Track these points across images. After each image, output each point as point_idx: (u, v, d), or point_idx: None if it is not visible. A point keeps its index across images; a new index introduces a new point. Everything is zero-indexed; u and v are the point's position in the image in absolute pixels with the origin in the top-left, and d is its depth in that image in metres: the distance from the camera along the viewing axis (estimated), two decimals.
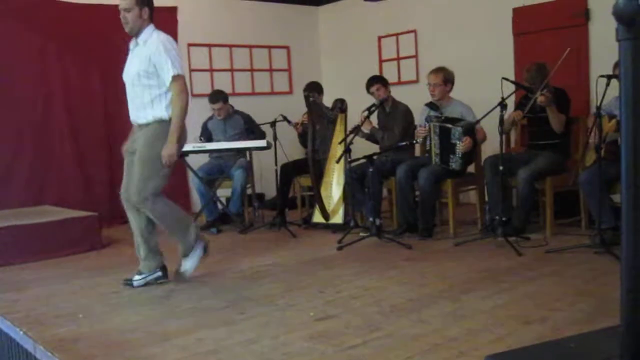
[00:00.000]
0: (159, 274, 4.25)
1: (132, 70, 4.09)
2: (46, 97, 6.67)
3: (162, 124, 4.05)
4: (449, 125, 5.23)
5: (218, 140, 6.55)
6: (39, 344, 3.07)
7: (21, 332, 3.27)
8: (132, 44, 4.19)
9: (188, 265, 4.24)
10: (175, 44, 4.14)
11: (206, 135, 6.68)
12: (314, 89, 6.38)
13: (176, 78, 4.02)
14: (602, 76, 4.28)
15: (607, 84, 4.25)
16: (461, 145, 5.14)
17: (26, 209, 6.06)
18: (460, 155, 5.18)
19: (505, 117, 4.93)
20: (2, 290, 4.24)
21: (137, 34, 4.09)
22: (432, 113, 5.56)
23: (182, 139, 4.16)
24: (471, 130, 5.20)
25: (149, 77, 4.02)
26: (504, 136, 4.92)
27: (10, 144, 6.42)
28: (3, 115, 6.35)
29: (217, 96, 6.57)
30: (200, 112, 7.03)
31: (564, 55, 4.64)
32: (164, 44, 4.01)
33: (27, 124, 6.52)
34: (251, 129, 6.60)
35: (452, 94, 5.64)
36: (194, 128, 7.10)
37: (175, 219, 4.22)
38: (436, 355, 2.69)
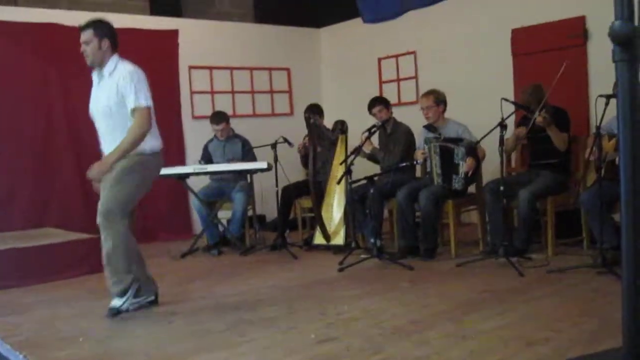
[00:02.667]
0: (152, 297, 4.20)
1: (102, 102, 4.01)
2: (48, 120, 6.71)
3: (140, 158, 3.99)
4: (452, 146, 5.25)
5: (217, 162, 6.56)
6: None
7: (21, 356, 3.25)
8: (95, 76, 4.13)
9: (118, 303, 3.98)
10: (143, 74, 4.02)
11: (206, 157, 6.70)
12: (314, 111, 6.41)
13: (138, 110, 3.92)
14: (601, 96, 4.29)
15: (607, 104, 4.26)
16: (466, 166, 5.16)
17: (28, 232, 6.07)
18: (463, 176, 5.20)
19: (507, 136, 4.94)
20: (2, 313, 4.22)
21: (100, 65, 4.05)
22: (430, 135, 5.58)
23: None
24: (472, 150, 5.22)
25: (120, 108, 3.95)
26: (504, 156, 4.92)
27: (12, 167, 6.44)
28: (5, 137, 6.39)
29: (220, 117, 6.60)
30: (201, 134, 7.07)
31: (562, 70, 4.67)
32: (130, 74, 3.94)
33: (29, 146, 6.55)
34: (246, 154, 6.60)
35: (452, 114, 5.66)
36: (194, 150, 7.16)
37: (124, 249, 3.95)
38: None
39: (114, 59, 4.05)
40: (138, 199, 4.10)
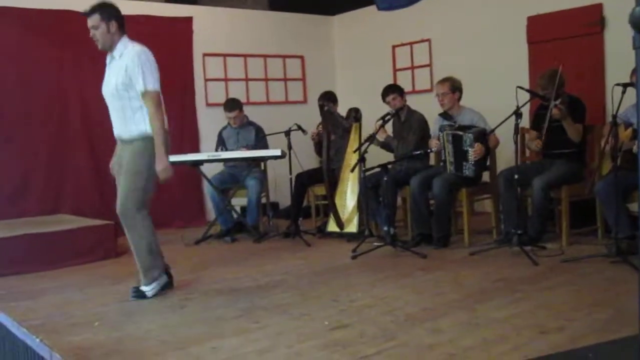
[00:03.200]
0: (166, 280, 4.27)
1: (111, 83, 4.05)
2: (62, 107, 6.74)
3: (146, 140, 4.03)
4: (460, 133, 5.23)
5: (231, 149, 6.57)
6: (55, 352, 3.08)
7: (37, 340, 3.29)
8: (108, 58, 4.16)
9: (146, 289, 4.13)
10: (151, 55, 4.04)
11: (221, 144, 6.70)
12: (328, 99, 6.39)
13: (148, 94, 3.96)
14: (617, 84, 4.25)
15: (623, 92, 4.22)
16: (473, 152, 5.13)
17: (42, 218, 6.12)
18: (472, 162, 5.17)
19: (528, 140, 4.91)
20: (18, 298, 4.27)
21: (110, 48, 4.06)
22: (445, 122, 5.56)
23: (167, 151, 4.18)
24: (482, 136, 5.19)
25: (127, 89, 3.98)
26: (518, 145, 4.89)
27: (27, 154, 6.48)
28: (20, 125, 6.42)
29: (233, 104, 6.60)
30: (215, 121, 7.08)
31: (559, 71, 4.67)
32: (139, 56, 3.96)
33: (44, 133, 6.58)
34: (260, 142, 6.60)
35: (467, 102, 5.63)
36: (208, 137, 7.18)
37: (147, 244, 4.10)
38: None
39: (124, 41, 4.07)
40: (154, 185, 4.14)
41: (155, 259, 4.14)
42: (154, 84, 3.97)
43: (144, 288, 4.12)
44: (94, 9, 4.03)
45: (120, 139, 4.19)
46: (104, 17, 4.01)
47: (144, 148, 4.03)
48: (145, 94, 3.96)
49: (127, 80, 3.97)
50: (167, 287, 4.24)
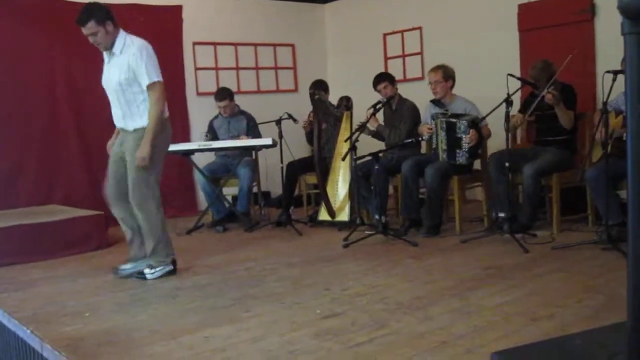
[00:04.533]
0: (171, 267, 4.38)
1: (114, 79, 4.13)
2: (53, 97, 6.69)
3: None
4: (454, 120, 5.23)
5: (222, 139, 6.56)
6: (46, 343, 3.08)
7: (28, 331, 3.28)
8: (106, 55, 4.22)
9: (149, 273, 4.28)
10: (152, 48, 4.15)
11: (212, 133, 6.69)
12: (319, 87, 6.38)
13: (153, 85, 4.09)
14: (608, 72, 4.25)
15: (614, 80, 4.22)
16: (467, 137, 5.14)
17: (34, 208, 6.08)
18: (466, 149, 5.18)
19: (516, 117, 4.93)
20: (9, 289, 4.25)
21: (111, 46, 4.13)
22: (437, 110, 5.56)
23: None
24: (476, 123, 5.20)
25: (131, 84, 4.09)
26: (509, 133, 4.90)
27: (18, 144, 6.43)
28: (10, 115, 6.37)
29: (224, 94, 6.58)
30: (206, 110, 7.05)
31: (567, 60, 4.65)
32: (140, 50, 4.06)
33: (34, 123, 6.54)
34: (251, 131, 6.59)
35: (458, 91, 5.63)
36: (199, 126, 7.16)
37: (161, 228, 4.29)
38: (442, 353, 2.68)
39: (122, 36, 4.13)
40: (161, 168, 4.30)
41: (166, 244, 4.32)
42: (158, 76, 4.11)
43: (146, 271, 4.25)
44: (87, 17, 4.04)
45: (124, 130, 4.29)
46: (99, 21, 4.04)
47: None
48: (150, 86, 4.08)
49: (131, 75, 4.07)
50: (171, 273, 4.37)
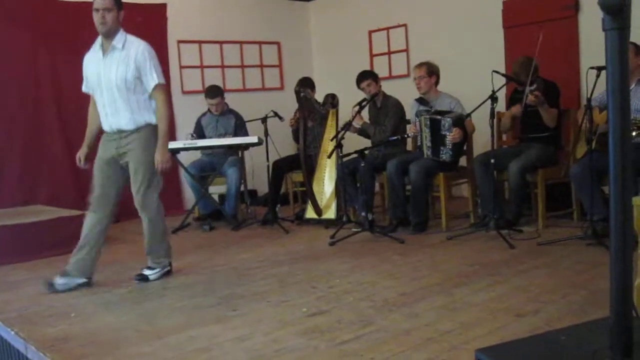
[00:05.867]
0: (168, 267, 4.38)
1: (115, 75, 4.00)
2: (36, 96, 6.63)
3: (152, 128, 4.12)
4: (438, 117, 5.24)
5: (209, 137, 6.54)
6: (31, 344, 3.06)
7: (12, 332, 3.25)
8: (98, 48, 4.09)
9: (151, 274, 4.26)
10: (153, 50, 4.14)
11: (198, 131, 6.66)
12: (306, 85, 6.37)
13: (160, 87, 4.09)
14: (592, 68, 4.27)
15: (598, 76, 4.24)
16: (450, 136, 5.15)
17: (18, 209, 6.03)
18: (450, 147, 5.19)
19: (499, 110, 4.92)
20: None
21: (109, 36, 4.02)
22: (422, 107, 5.57)
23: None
24: (460, 121, 5.21)
25: (135, 82, 4.04)
26: (494, 129, 4.92)
27: (1, 143, 6.38)
28: None
29: (215, 91, 6.55)
30: (191, 108, 7.02)
31: (540, 40, 4.67)
32: (148, 51, 4.04)
33: (18, 122, 6.48)
34: (239, 130, 6.57)
35: (443, 88, 5.64)
36: (184, 125, 7.12)
37: (163, 228, 4.29)
38: (428, 349, 2.69)
39: (122, 32, 4.07)
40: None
41: (167, 245, 4.33)
42: (162, 77, 4.12)
43: (147, 272, 4.23)
44: None
45: (115, 129, 4.10)
46: (117, 4, 4.02)
47: (151, 135, 4.12)
48: (157, 87, 4.07)
49: (136, 73, 4.02)
50: (168, 274, 4.37)
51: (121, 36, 4.05)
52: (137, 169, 4.10)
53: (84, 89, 4.26)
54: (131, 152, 4.10)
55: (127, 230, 5.97)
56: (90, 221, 4.20)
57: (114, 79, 4.01)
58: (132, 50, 4.02)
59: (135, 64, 4.00)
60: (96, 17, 3.96)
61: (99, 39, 4.10)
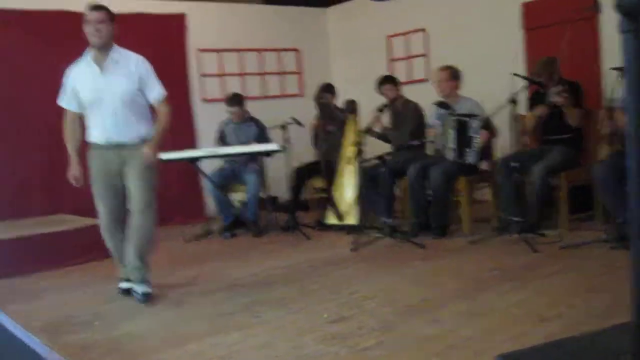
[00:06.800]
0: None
1: (120, 89, 3.98)
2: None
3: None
4: (466, 119, 5.20)
5: (231, 144, 6.55)
6: (55, 352, 3.08)
7: (37, 340, 3.29)
8: (92, 62, 4.03)
9: (142, 289, 4.04)
10: None
11: (222, 138, 6.67)
12: (326, 90, 6.38)
13: (165, 98, 4.11)
14: (613, 68, 4.23)
15: (619, 77, 4.20)
16: (479, 138, 5.11)
17: (42, 218, 6.10)
18: (476, 149, 5.15)
19: (529, 116, 4.87)
20: (19, 299, 4.27)
21: (102, 48, 3.98)
22: (442, 111, 5.54)
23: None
24: (487, 123, 5.17)
25: (139, 95, 4.05)
26: (514, 132, 4.88)
27: (27, 154, 6.46)
28: (19, 125, 6.40)
29: (233, 100, 6.55)
30: (213, 116, 7.05)
31: (566, 38, 4.63)
32: (147, 64, 4.07)
33: (42, 132, 6.55)
34: (262, 138, 6.56)
35: (463, 91, 5.61)
36: (206, 133, 7.16)
37: (154, 241, 4.18)
38: (450, 356, 2.67)
39: (115, 46, 4.05)
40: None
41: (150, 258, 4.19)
42: (164, 89, 4.12)
43: (148, 289, 4.05)
44: (102, 6, 4.00)
45: (118, 143, 4.07)
46: (110, 17, 4.01)
47: None
48: (162, 99, 4.09)
49: (139, 85, 4.03)
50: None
51: (116, 49, 4.04)
52: (138, 176, 4.05)
53: (65, 104, 4.28)
54: (133, 163, 4.05)
55: None
56: (115, 241, 4.23)
57: (119, 92, 3.97)
58: (131, 63, 4.02)
59: (140, 76, 4.02)
60: (89, 29, 3.93)
61: (89, 53, 4.06)
